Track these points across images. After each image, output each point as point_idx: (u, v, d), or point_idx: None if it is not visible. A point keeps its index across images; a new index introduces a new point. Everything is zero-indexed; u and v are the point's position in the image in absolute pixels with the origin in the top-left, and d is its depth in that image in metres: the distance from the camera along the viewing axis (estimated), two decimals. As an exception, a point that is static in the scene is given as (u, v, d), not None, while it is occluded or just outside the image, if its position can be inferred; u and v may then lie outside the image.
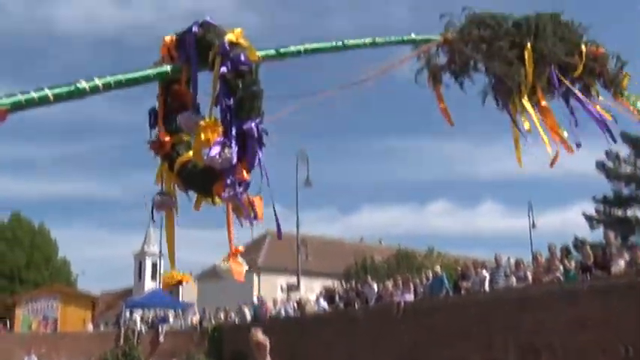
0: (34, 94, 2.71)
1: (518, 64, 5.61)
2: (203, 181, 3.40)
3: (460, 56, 5.88)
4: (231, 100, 3.22)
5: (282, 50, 4.09)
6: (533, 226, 37.47)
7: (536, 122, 6.06)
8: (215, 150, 3.08)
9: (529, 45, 5.63)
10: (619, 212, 33.77)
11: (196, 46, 3.36)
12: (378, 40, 5.03)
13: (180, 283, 3.63)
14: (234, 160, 3.13)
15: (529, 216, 37.80)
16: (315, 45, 4.40)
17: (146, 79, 3.17)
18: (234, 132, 3.13)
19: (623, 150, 33.26)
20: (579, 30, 6.13)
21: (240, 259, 3.23)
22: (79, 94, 2.88)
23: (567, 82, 6.37)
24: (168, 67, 3.38)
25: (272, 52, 3.90)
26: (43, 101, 2.74)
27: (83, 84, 2.89)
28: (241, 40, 3.30)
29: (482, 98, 6.07)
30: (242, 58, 3.26)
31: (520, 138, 6.25)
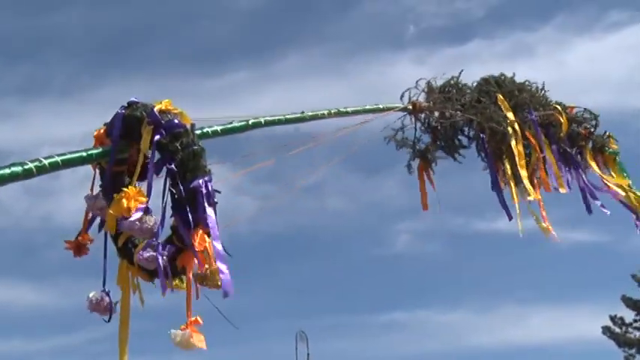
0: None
1: (498, 110, 5.72)
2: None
3: (440, 119, 6.05)
4: (173, 165, 3.24)
5: (228, 126, 4.31)
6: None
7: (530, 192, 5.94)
8: (135, 216, 3.03)
9: (499, 95, 5.79)
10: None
11: (123, 125, 3.37)
12: (342, 110, 5.26)
13: None
14: (157, 228, 3.09)
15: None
16: (270, 118, 4.64)
17: (82, 161, 3.33)
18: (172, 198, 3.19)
19: (627, 314, 32.13)
20: (535, 89, 6.27)
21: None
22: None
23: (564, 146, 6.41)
24: (99, 149, 3.44)
25: (217, 128, 4.12)
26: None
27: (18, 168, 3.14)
28: (171, 108, 3.39)
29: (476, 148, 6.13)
30: (175, 121, 3.33)
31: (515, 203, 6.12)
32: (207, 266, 3.20)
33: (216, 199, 3.36)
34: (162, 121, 3.32)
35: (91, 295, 3.47)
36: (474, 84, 6.11)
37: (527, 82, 6.12)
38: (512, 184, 5.66)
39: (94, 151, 3.51)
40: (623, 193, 6.50)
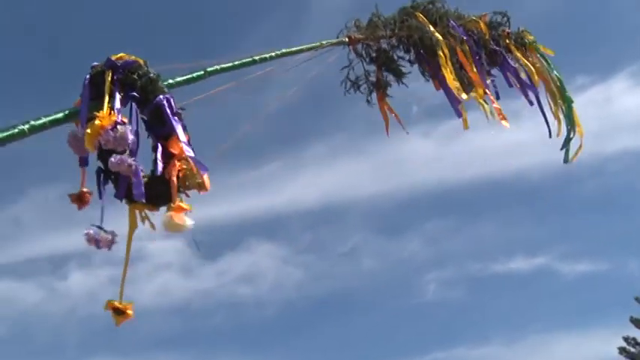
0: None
1: (421, 26, 6.29)
2: (163, 192, 3.67)
3: (379, 46, 6.58)
4: (135, 92, 3.74)
5: (193, 75, 4.71)
6: None
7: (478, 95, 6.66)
8: (109, 132, 3.46)
9: (418, 14, 6.37)
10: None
11: (92, 86, 3.83)
12: (287, 50, 5.69)
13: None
14: (130, 136, 3.50)
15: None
16: (224, 65, 5.05)
17: (56, 122, 3.71)
18: (141, 116, 3.64)
19: (638, 334, 33.69)
20: (445, 6, 6.92)
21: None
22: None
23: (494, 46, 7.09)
24: (74, 108, 3.85)
25: (180, 79, 4.50)
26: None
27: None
28: (124, 55, 3.88)
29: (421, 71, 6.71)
30: (128, 60, 3.83)
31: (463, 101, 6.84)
32: (185, 167, 3.64)
33: (182, 108, 3.88)
34: (118, 63, 3.83)
35: (90, 230, 3.67)
36: (395, 16, 6.67)
37: None
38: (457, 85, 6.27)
39: (71, 110, 3.91)
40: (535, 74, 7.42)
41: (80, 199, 3.97)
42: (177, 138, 3.66)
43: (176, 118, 3.74)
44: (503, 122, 7.01)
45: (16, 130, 3.53)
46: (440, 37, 6.28)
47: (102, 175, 3.92)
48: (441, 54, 6.22)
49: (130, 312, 3.62)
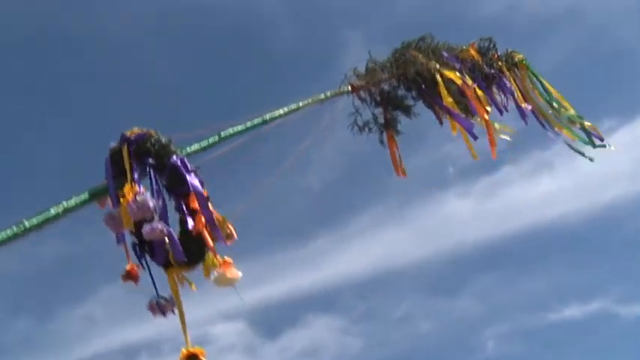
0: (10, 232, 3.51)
1: (415, 59, 6.52)
2: (197, 249, 3.87)
3: (380, 89, 6.83)
4: (150, 159, 3.96)
5: (208, 142, 4.90)
6: None
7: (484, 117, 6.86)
8: (131, 204, 3.64)
9: (411, 51, 6.62)
10: None
11: (113, 165, 4.04)
12: (294, 106, 5.91)
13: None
14: (152, 201, 3.68)
15: None
16: (237, 128, 5.25)
17: (85, 202, 3.90)
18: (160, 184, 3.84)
19: None
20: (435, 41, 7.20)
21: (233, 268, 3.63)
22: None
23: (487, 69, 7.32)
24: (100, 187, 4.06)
25: (194, 147, 4.70)
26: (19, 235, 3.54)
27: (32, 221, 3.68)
28: (136, 130, 4.11)
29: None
30: (140, 133, 4.05)
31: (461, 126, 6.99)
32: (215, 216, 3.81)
33: (197, 167, 4.10)
34: (132, 138, 4.07)
35: (151, 302, 3.89)
36: (390, 58, 6.96)
37: (425, 35, 7.02)
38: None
39: (95, 190, 4.10)
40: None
41: (130, 276, 4.09)
42: (195, 193, 3.81)
43: (192, 175, 3.92)
44: (504, 136, 7.11)
45: (52, 213, 3.72)
46: (436, 65, 6.49)
47: (138, 248, 4.08)
48: (439, 79, 6.40)
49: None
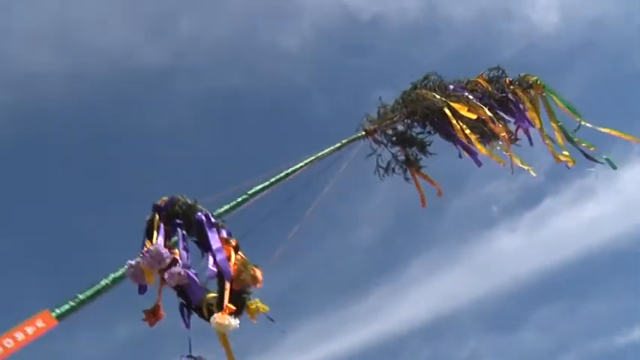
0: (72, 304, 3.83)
1: (423, 96, 6.84)
2: (236, 300, 4.14)
3: (395, 129, 7.15)
4: (178, 220, 4.36)
5: (237, 201, 5.25)
6: None
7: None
8: (146, 256, 3.98)
9: (417, 91, 6.96)
10: None
11: (147, 230, 4.41)
12: (313, 158, 6.22)
13: None
14: (164, 250, 3.99)
15: None
16: (263, 184, 5.57)
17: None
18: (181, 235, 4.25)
19: None
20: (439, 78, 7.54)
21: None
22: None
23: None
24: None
25: (224, 208, 5.05)
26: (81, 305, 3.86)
27: (103, 282, 4.02)
28: (165, 198, 4.52)
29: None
30: (168, 200, 4.46)
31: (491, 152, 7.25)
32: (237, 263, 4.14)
33: (223, 220, 4.55)
34: (162, 205, 4.50)
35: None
36: (398, 100, 7.30)
37: (429, 74, 7.35)
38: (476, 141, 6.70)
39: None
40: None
41: (154, 314, 4.29)
42: (223, 241, 4.18)
43: (214, 228, 4.31)
44: (527, 167, 7.31)
45: (102, 284, 4.05)
46: (443, 98, 6.78)
47: (185, 308, 4.38)
48: (448, 111, 6.67)
49: None
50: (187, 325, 4.36)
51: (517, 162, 7.20)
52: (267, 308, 4.21)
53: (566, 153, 8.18)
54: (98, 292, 4.00)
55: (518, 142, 7.72)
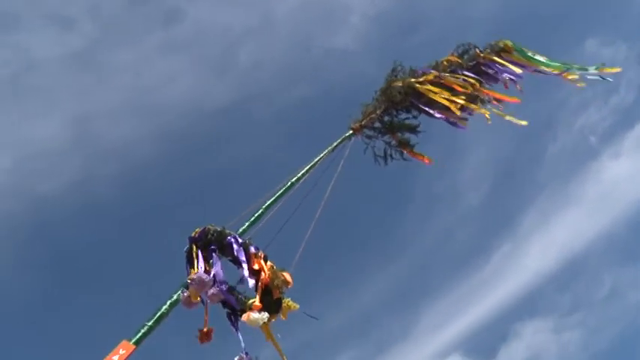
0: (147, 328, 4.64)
1: (396, 84, 7.67)
2: (270, 304, 5.03)
3: (380, 120, 7.96)
4: (212, 246, 5.23)
5: (255, 216, 6.06)
6: None
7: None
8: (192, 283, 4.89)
9: (390, 83, 7.77)
10: None
11: (187, 259, 5.26)
12: (310, 165, 7.01)
13: None
14: (205, 275, 4.89)
15: None
16: (273, 198, 6.38)
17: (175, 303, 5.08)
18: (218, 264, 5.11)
19: None
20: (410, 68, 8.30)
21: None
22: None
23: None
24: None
25: (245, 226, 5.88)
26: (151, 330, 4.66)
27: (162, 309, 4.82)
28: (198, 229, 5.36)
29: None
30: (200, 232, 5.32)
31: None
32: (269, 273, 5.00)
33: (249, 238, 5.43)
34: (196, 236, 5.36)
35: (240, 356, 5.01)
36: (375, 96, 8.09)
37: (395, 65, 8.14)
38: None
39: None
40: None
41: (207, 335, 5.17)
42: (252, 257, 5.09)
43: (241, 248, 5.17)
44: (512, 119, 8.06)
45: (163, 310, 4.87)
46: (411, 79, 7.60)
47: (232, 316, 5.24)
48: (419, 86, 7.49)
49: None
50: (237, 329, 5.20)
51: (505, 117, 7.94)
52: (297, 306, 5.07)
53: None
54: (161, 317, 4.81)
55: (518, 87, 8.44)
